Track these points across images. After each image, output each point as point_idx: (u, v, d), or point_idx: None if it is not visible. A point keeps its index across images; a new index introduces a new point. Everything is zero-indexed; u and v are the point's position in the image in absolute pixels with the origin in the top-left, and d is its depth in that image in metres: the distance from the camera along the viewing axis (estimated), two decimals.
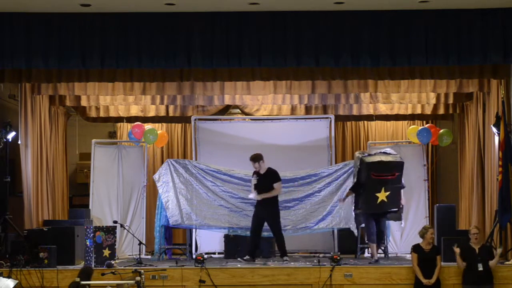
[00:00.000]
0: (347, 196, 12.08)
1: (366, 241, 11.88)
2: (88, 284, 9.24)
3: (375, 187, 11.64)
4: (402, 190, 11.94)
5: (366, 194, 11.71)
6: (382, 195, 11.58)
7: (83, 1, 10.18)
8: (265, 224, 12.47)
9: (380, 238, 11.74)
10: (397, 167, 11.80)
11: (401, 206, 11.91)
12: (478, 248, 10.34)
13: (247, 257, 11.61)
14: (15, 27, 10.66)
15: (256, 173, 11.86)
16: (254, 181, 11.85)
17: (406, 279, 10.55)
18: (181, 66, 10.96)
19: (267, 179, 11.77)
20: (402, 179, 11.96)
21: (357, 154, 12.20)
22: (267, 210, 11.76)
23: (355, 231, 12.31)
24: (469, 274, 10.29)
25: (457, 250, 10.34)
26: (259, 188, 11.76)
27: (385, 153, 12.05)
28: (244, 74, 11.43)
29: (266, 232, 12.55)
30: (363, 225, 11.97)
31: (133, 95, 12.79)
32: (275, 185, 11.74)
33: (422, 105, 13.78)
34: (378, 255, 11.68)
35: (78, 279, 9.19)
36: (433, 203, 13.71)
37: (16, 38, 10.65)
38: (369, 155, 12.06)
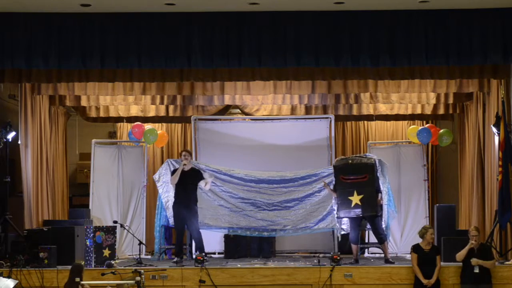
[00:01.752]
0: (327, 189, 12.05)
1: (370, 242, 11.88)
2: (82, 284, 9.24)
3: (346, 190, 11.65)
4: (380, 194, 11.80)
5: (340, 198, 11.75)
6: (355, 199, 11.55)
7: (83, 1, 10.18)
8: (264, 224, 12.50)
9: (379, 241, 11.72)
10: (367, 168, 11.73)
11: (380, 209, 11.75)
12: (476, 248, 10.33)
13: (176, 259, 11.55)
14: (15, 27, 10.65)
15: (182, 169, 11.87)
16: (176, 173, 11.77)
17: (406, 279, 10.55)
18: (181, 66, 10.96)
19: (194, 178, 11.88)
20: (380, 182, 11.90)
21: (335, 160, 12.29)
22: (190, 209, 11.79)
23: (339, 234, 12.40)
24: (467, 274, 10.29)
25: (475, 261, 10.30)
26: (184, 183, 11.77)
27: (361, 156, 12.06)
28: (244, 74, 11.43)
29: (266, 232, 12.57)
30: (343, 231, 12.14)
31: (133, 95, 12.80)
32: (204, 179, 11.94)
33: (422, 105, 13.77)
34: (378, 255, 11.67)
35: (78, 279, 9.21)
36: (433, 203, 13.71)
37: (16, 38, 10.65)
38: (343, 158, 12.08)
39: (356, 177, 11.68)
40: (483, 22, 10.59)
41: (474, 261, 10.18)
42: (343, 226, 12.34)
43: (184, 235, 12.14)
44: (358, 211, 11.55)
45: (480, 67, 11.18)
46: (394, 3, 10.47)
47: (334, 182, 12.07)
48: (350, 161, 11.88)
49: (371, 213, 11.57)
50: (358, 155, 12.34)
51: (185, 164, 11.82)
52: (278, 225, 12.52)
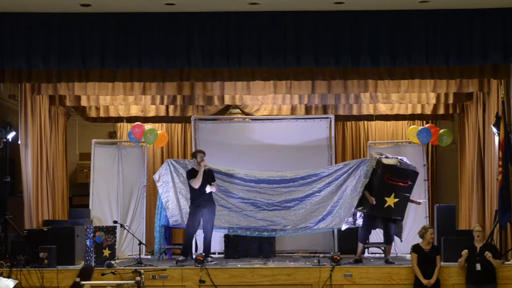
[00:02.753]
0: (370, 199, 11.71)
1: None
2: (83, 284, 9.23)
3: (385, 190, 11.59)
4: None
5: (375, 196, 11.66)
6: (390, 201, 11.54)
7: (83, 1, 10.18)
8: (264, 224, 12.50)
9: (387, 241, 11.71)
10: (412, 176, 11.76)
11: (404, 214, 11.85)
12: (479, 247, 10.34)
13: (181, 257, 11.57)
14: (15, 27, 10.65)
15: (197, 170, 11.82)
16: (199, 176, 11.67)
17: (406, 279, 10.56)
18: (181, 66, 10.96)
19: (210, 177, 11.86)
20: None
21: (374, 154, 12.13)
22: (211, 210, 11.83)
23: (342, 227, 12.29)
24: (470, 274, 10.29)
25: (464, 253, 10.32)
26: (203, 185, 11.72)
27: (401, 160, 12.00)
28: (244, 74, 11.43)
29: (267, 232, 12.56)
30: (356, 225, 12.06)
31: (133, 95, 12.80)
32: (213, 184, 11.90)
33: (422, 105, 13.77)
34: (378, 255, 11.65)
35: (78, 279, 9.19)
36: (433, 203, 13.71)
37: (16, 38, 10.65)
38: (387, 157, 12.00)
39: (400, 181, 11.65)
40: (483, 22, 10.59)
41: (487, 254, 10.13)
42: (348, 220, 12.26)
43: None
44: (388, 212, 11.54)
45: (480, 67, 11.19)
46: (394, 3, 10.47)
47: (338, 180, 12.18)
48: (399, 164, 11.78)
49: (399, 217, 11.65)
50: (399, 158, 12.12)
51: (205, 166, 11.78)
52: (278, 225, 12.52)
